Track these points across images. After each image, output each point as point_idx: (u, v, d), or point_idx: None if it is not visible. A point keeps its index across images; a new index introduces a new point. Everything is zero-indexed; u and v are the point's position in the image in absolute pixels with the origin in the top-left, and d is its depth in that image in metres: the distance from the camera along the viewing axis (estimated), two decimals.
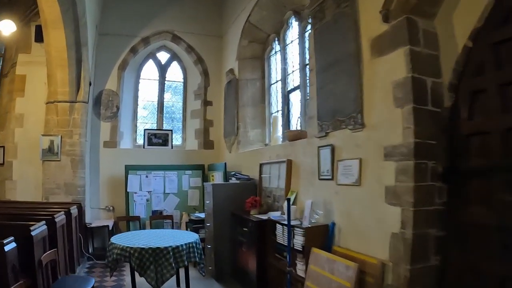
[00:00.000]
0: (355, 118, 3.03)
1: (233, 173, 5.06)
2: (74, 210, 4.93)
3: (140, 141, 6.89)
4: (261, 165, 4.81)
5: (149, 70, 7.18)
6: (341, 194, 3.14)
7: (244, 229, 4.20)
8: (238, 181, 4.93)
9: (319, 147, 3.47)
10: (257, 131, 5.86)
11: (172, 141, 6.84)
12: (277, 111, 5.61)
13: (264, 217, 4.01)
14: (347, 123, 3.12)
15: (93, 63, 6.22)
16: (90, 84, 6.01)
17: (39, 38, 5.90)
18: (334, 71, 3.35)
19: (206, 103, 6.98)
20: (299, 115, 4.66)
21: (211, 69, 7.03)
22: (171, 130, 6.94)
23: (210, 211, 4.76)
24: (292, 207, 3.52)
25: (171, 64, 7.30)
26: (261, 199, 4.50)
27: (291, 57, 5.36)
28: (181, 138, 7.23)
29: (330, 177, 3.28)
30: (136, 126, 6.96)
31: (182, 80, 7.35)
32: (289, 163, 4.06)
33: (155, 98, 7.15)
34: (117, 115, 6.48)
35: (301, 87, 4.84)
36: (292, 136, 4.13)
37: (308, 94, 4.62)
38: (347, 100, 3.14)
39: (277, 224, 3.56)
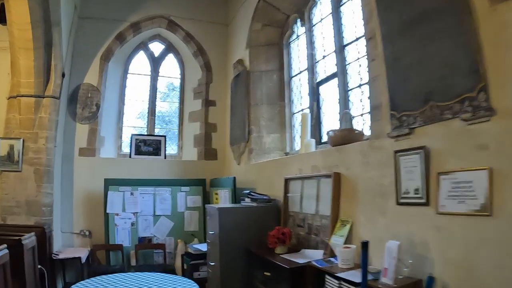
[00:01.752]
0: (472, 100, 1.77)
1: (247, 191, 3.74)
2: (29, 240, 3.59)
3: (125, 149, 5.58)
4: (286, 181, 3.52)
5: (140, 63, 5.93)
6: (447, 229, 1.86)
7: (266, 273, 2.88)
8: (253, 203, 3.61)
9: (396, 152, 2.20)
10: (275, 136, 4.58)
11: (165, 150, 5.54)
12: (301, 110, 4.35)
13: (299, 259, 2.70)
14: (455, 110, 1.86)
15: (69, 50, 4.95)
16: (63, 76, 4.72)
17: (3, 18, 4.65)
18: (420, 33, 2.11)
19: (208, 103, 5.70)
20: (340, 110, 3.40)
21: (215, 62, 5.79)
22: (165, 136, 5.65)
23: (215, 244, 3.42)
24: (343, 249, 2.25)
25: (166, 57, 6.06)
26: (290, 231, 3.18)
27: (320, 39, 4.13)
28: (177, 146, 5.93)
29: (422, 200, 2.00)
30: (121, 130, 5.65)
31: (179, 76, 6.10)
32: (337, 179, 2.77)
33: (146, 97, 5.87)
34: (97, 116, 5.17)
35: (338, 74, 3.60)
36: (339, 139, 2.84)
37: (347, 84, 3.42)
38: (453, 72, 1.89)
39: (328, 277, 2.24)
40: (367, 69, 2.75)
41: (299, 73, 4.51)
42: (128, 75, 5.81)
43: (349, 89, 3.50)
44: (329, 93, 3.87)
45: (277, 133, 4.58)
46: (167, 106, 6.14)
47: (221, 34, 5.87)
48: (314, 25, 4.26)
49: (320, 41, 4.12)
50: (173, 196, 5.09)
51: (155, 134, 5.74)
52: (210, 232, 3.57)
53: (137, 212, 4.92)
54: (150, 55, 5.97)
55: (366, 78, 3.08)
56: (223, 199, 4.68)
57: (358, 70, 3.38)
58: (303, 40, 4.49)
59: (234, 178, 4.42)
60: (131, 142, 5.44)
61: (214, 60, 5.79)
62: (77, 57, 5.13)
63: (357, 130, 2.87)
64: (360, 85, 3.28)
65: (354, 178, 2.60)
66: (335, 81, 3.68)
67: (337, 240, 2.56)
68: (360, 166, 2.54)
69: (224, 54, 5.80)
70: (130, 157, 5.37)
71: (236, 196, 4.23)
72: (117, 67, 5.62)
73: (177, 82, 6.10)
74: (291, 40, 4.78)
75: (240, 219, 3.41)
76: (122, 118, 5.67)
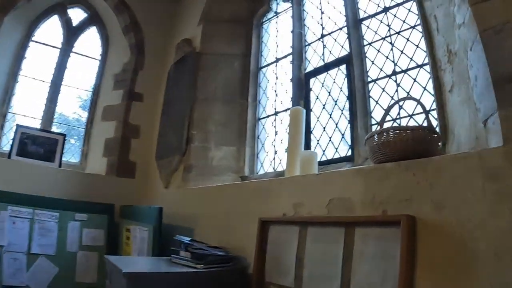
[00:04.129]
0: None
1: (185, 239, 2.04)
2: None
3: (5, 145, 3.62)
4: (264, 226, 1.90)
5: (50, 31, 4.09)
6: None
7: None
8: (197, 265, 1.86)
9: None
10: (229, 150, 3.02)
11: (61, 155, 3.67)
12: (274, 113, 2.88)
13: None
14: None
15: None
16: None
17: None
18: None
19: (132, 96, 3.97)
20: (352, 109, 1.97)
21: (151, 43, 4.15)
22: (64, 136, 3.77)
23: None
24: None
25: (87, 30, 4.31)
26: None
27: (315, 14, 2.79)
28: (80, 152, 4.07)
29: None
30: (4, 117, 3.69)
31: (100, 57, 4.34)
32: (411, 229, 1.24)
33: (48, 77, 4.00)
34: None
35: (353, 57, 2.24)
36: (408, 147, 1.37)
37: (367, 70, 2.09)
38: None
39: None
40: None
41: (274, 62, 3.08)
42: (31, 44, 3.94)
43: (370, 80, 2.14)
44: (326, 88, 2.47)
45: (233, 145, 3.03)
46: (76, 96, 4.28)
47: (166, 6, 4.30)
48: None
49: (316, 16, 2.77)
50: (61, 226, 3.17)
51: (52, 131, 3.85)
52: None
53: (1, 246, 2.93)
54: (66, 23, 4.17)
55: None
56: (138, 243, 2.92)
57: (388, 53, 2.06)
58: (284, 19, 3.12)
59: (160, 209, 2.71)
60: (15, 136, 3.49)
61: (151, 40, 4.15)
62: None
63: (435, 132, 1.47)
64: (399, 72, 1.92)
65: (463, 230, 1.11)
66: (339, 70, 2.30)
67: None
68: (481, 203, 1.08)
69: (165, 34, 4.19)
70: (9, 157, 3.41)
71: (162, 242, 2.53)
72: (17, 28, 3.75)
73: (95, 64, 4.31)
74: (265, 19, 3.38)
75: None
76: (8, 99, 3.72)
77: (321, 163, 2.24)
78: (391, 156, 1.43)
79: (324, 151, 2.43)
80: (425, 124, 1.64)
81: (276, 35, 3.16)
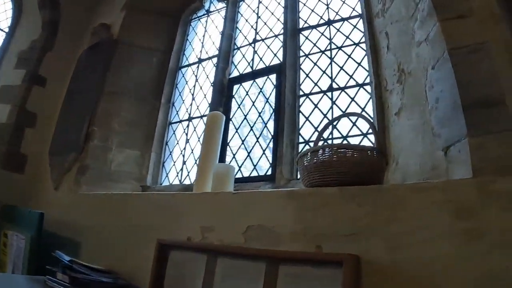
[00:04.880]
0: None
1: (65, 260, 1.61)
2: None
3: None
4: (164, 251, 1.53)
5: None
6: None
7: None
8: None
9: None
10: (133, 154, 2.66)
11: None
12: (188, 119, 2.61)
13: None
14: None
15: None
16: None
17: None
18: None
19: (35, 79, 3.41)
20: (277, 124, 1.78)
21: (67, 22, 3.64)
22: None
23: None
24: None
25: None
26: None
27: (251, 19, 2.60)
28: None
29: None
30: None
31: (8, 29, 3.75)
32: (353, 273, 0.97)
33: None
34: None
35: (287, 67, 2.11)
36: (355, 169, 1.17)
37: (300, 83, 1.94)
38: None
39: None
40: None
41: (196, 63, 2.81)
42: None
43: (302, 94, 1.99)
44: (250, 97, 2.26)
45: (137, 149, 2.67)
46: None
47: None
48: None
49: (251, 20, 2.57)
50: None
51: None
52: None
53: None
54: None
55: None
56: (14, 254, 2.43)
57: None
58: (216, 18, 2.88)
59: (41, 215, 2.25)
60: None
61: (67, 19, 3.66)
62: None
63: (385, 157, 1.32)
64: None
65: (423, 276, 0.91)
66: (268, 79, 2.11)
67: None
68: (447, 244, 0.89)
69: (85, 15, 3.73)
70: None
71: (41, 255, 2.09)
72: None
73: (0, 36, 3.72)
74: (195, 16, 3.11)
75: None
76: None
77: (236, 181, 1.98)
78: (332, 179, 1.18)
79: (240, 167, 2.19)
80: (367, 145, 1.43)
81: (204, 35, 2.90)
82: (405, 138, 1.43)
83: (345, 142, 1.78)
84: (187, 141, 2.57)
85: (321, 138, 1.65)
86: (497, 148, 0.94)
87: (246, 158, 2.17)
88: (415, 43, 1.38)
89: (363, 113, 1.78)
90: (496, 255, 0.84)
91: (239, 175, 2.14)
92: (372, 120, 1.39)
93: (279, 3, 2.48)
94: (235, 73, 2.48)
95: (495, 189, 0.88)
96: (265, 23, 2.49)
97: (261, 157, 2.09)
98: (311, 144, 1.93)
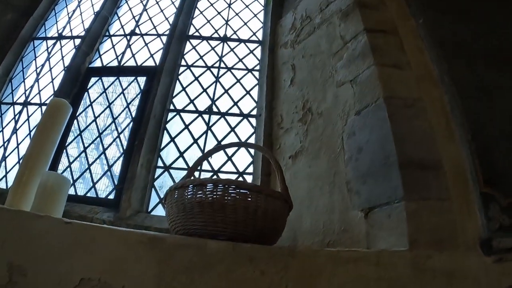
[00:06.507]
0: None
1: None
2: None
3: None
4: None
5: None
6: None
7: None
8: None
9: None
10: None
11: None
12: (22, 103, 1.97)
13: None
14: None
15: None
16: None
17: None
18: None
19: None
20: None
21: None
22: None
23: None
24: None
25: None
26: None
27: (136, 9, 2.19)
28: None
29: None
30: None
31: None
32: None
33: None
34: None
35: (163, 73, 1.82)
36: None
37: (174, 95, 1.62)
38: None
39: None
40: None
41: (56, 39, 2.22)
42: None
43: (173, 108, 1.66)
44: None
45: None
46: None
47: None
48: None
49: (136, 10, 2.16)
50: None
51: None
52: None
53: None
54: None
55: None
56: None
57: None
58: None
59: None
60: None
61: None
62: None
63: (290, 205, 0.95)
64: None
65: None
66: (135, 81, 1.72)
67: None
68: None
69: None
70: None
71: None
72: None
73: None
74: None
75: None
76: None
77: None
78: (221, 229, 0.81)
79: (75, 181, 1.66)
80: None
81: (75, 9, 2.33)
82: (300, 188, 1.20)
83: (215, 177, 1.47)
84: (15, 131, 1.92)
85: (198, 169, 1.33)
86: (432, 217, 0.79)
87: (85, 171, 1.66)
88: (334, 82, 1.19)
89: (242, 147, 1.52)
90: None
91: (71, 191, 1.62)
92: (273, 157, 1.07)
93: (173, 2, 2.15)
94: (97, 63, 2.00)
95: (431, 266, 0.74)
96: (150, 18, 2.12)
97: (103, 174, 1.62)
98: (173, 171, 1.57)
